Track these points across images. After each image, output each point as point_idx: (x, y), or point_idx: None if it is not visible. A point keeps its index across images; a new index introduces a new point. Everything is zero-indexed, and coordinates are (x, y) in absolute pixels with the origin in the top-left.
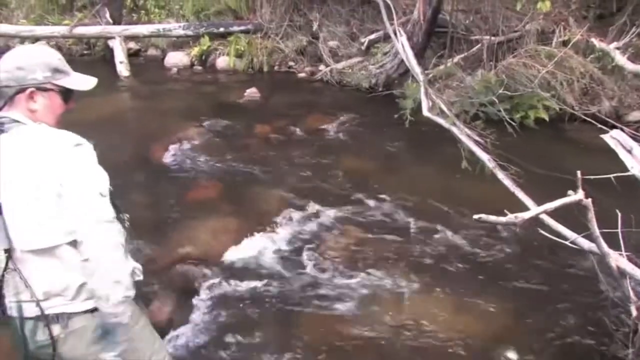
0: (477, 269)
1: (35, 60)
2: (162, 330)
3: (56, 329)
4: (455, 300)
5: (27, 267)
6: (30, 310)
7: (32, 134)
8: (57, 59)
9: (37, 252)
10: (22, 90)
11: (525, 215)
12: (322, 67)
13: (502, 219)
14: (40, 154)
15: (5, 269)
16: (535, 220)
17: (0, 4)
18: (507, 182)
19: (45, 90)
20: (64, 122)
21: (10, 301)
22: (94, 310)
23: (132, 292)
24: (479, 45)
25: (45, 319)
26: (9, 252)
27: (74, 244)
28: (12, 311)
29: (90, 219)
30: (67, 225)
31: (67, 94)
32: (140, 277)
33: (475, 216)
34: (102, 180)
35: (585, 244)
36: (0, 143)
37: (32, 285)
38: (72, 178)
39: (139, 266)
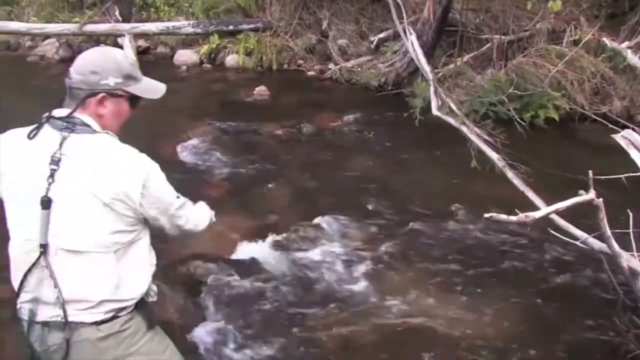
0: (487, 269)
1: (109, 65)
2: (168, 328)
3: (63, 336)
4: (466, 300)
5: (58, 267)
6: (44, 314)
7: (107, 144)
8: (129, 64)
9: (77, 253)
10: (93, 94)
11: (536, 214)
12: (331, 65)
13: (512, 218)
14: (117, 167)
15: (34, 264)
16: (546, 220)
17: (11, 2)
18: (517, 182)
19: (116, 96)
20: None
21: (23, 301)
22: (100, 322)
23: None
24: (489, 44)
25: (56, 324)
26: (44, 248)
27: (118, 253)
28: (23, 313)
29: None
30: (120, 236)
31: (135, 100)
32: (154, 299)
33: (486, 215)
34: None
35: (596, 244)
36: (68, 141)
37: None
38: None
39: (154, 288)
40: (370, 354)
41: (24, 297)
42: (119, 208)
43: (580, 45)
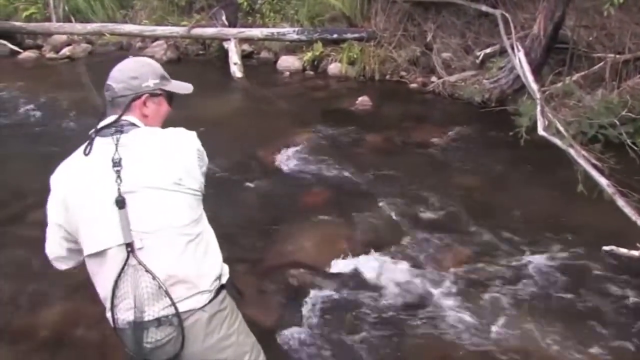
0: (590, 303)
1: (146, 69)
2: (268, 332)
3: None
4: (565, 335)
5: (148, 259)
6: (151, 312)
7: (156, 133)
8: (160, 66)
9: (163, 238)
10: (137, 97)
11: None
12: (434, 78)
13: (634, 252)
14: (172, 148)
15: (124, 266)
16: None
17: (126, 6)
18: (628, 211)
19: (156, 95)
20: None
21: (121, 308)
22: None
23: None
24: (602, 63)
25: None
26: (131, 246)
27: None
28: (123, 319)
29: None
30: (192, 213)
31: (171, 98)
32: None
33: (606, 248)
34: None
35: None
36: (121, 142)
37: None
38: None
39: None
40: None
41: (120, 303)
42: (187, 183)
43: None
